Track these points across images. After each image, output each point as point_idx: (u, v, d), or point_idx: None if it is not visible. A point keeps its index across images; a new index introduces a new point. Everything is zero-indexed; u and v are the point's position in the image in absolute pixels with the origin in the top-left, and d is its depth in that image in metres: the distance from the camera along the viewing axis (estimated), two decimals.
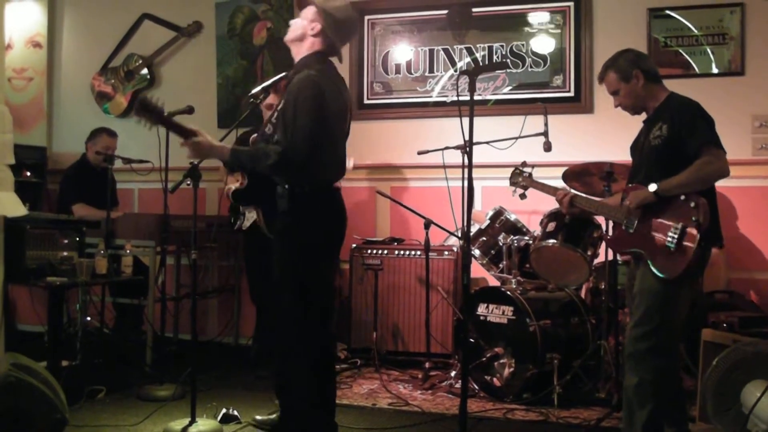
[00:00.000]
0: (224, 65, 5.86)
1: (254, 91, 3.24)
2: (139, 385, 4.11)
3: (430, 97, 5.38)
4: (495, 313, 4.11)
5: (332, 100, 2.90)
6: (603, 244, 4.08)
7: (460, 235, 4.49)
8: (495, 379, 4.04)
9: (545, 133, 4.21)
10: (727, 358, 3.14)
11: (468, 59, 5.30)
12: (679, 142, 2.89)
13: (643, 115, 3.14)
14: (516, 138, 4.27)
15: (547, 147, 4.20)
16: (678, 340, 3.01)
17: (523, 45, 5.20)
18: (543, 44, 5.15)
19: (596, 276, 4.29)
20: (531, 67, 5.17)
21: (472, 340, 4.09)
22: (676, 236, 2.82)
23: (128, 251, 4.39)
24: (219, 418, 3.55)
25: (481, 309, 4.16)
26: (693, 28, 4.84)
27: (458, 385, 4.04)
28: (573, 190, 3.69)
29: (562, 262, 4.14)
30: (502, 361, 4.01)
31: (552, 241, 4.07)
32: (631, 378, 2.92)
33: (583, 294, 4.51)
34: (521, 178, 3.70)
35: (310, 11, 2.99)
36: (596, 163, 4.06)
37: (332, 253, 3.11)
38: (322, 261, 3.00)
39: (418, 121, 5.37)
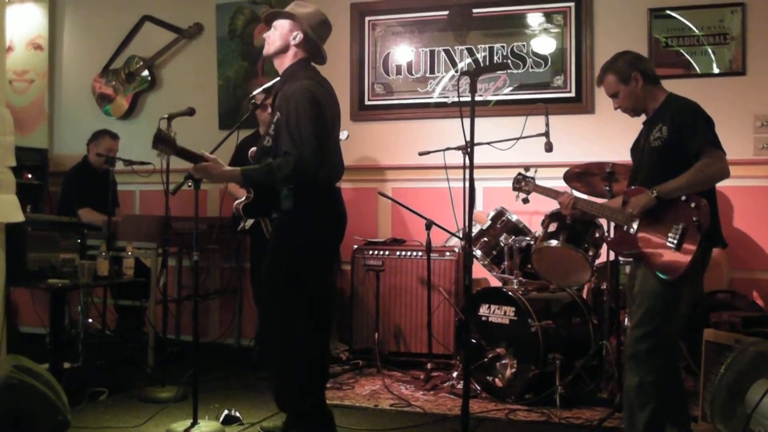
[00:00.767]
0: (225, 66, 5.86)
1: (255, 92, 3.27)
2: (140, 386, 4.11)
3: (431, 98, 5.38)
4: (497, 314, 4.11)
5: (327, 105, 3.06)
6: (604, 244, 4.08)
7: (461, 235, 4.48)
8: (497, 380, 4.03)
9: (546, 134, 4.21)
10: (734, 364, 3.11)
11: (469, 60, 5.30)
12: (679, 144, 2.89)
13: (643, 117, 3.14)
14: (517, 138, 4.27)
15: (549, 147, 4.20)
16: (679, 340, 3.00)
17: (523, 45, 5.19)
18: (544, 45, 5.15)
19: (598, 276, 4.28)
20: (532, 67, 5.17)
21: (473, 340, 4.09)
22: (677, 237, 2.82)
23: (130, 253, 4.38)
24: (221, 419, 3.55)
25: (483, 309, 4.16)
26: (694, 28, 4.83)
27: (460, 386, 4.05)
28: (575, 192, 3.69)
29: (563, 263, 4.14)
30: (504, 361, 4.01)
31: (553, 241, 4.07)
32: (632, 379, 2.92)
33: (584, 294, 4.51)
34: (524, 183, 3.69)
35: (285, 23, 3.09)
36: (598, 164, 4.05)
37: (331, 251, 3.23)
38: (319, 258, 3.09)
39: (419, 122, 5.37)
